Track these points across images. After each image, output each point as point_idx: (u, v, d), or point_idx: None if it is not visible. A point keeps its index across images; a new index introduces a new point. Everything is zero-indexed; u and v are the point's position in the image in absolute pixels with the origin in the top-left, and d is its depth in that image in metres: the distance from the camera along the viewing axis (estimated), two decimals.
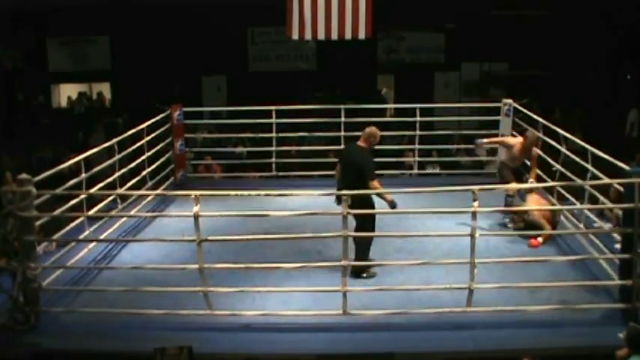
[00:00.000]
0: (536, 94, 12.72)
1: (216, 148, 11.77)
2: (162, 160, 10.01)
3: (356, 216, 6.54)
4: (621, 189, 6.21)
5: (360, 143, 6.97)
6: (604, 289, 6.33)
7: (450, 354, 5.60)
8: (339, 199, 6.65)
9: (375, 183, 6.67)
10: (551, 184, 8.01)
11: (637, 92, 15.70)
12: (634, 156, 10.96)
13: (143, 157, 9.23)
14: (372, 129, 6.99)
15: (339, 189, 6.79)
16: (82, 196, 7.19)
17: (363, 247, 6.74)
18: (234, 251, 6.98)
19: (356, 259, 6.59)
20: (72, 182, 7.29)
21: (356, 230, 6.63)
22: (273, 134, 10.52)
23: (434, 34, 17.17)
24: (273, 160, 10.61)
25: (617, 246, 6.74)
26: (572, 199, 8.04)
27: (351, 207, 6.04)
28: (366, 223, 6.70)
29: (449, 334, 5.81)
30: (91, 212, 7.52)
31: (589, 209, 7.57)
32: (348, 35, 9.28)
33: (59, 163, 7.21)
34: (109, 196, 8.16)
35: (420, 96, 12.35)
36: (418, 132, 10.39)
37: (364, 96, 15.19)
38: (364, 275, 6.74)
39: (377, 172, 9.70)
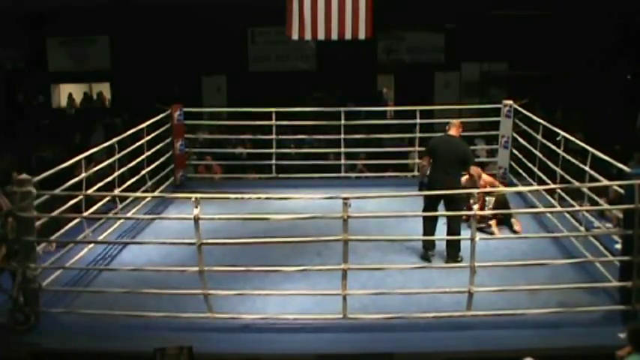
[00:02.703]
0: (537, 95, 12.70)
1: (216, 149, 11.77)
2: (162, 160, 10.02)
3: (453, 207, 7.01)
4: (621, 190, 6.21)
5: (454, 133, 7.47)
6: (604, 291, 6.33)
7: (450, 354, 5.60)
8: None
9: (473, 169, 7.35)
10: (551, 186, 8.01)
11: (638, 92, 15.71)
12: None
13: (142, 157, 9.23)
14: (458, 120, 7.68)
15: (433, 179, 7.21)
16: (81, 197, 7.20)
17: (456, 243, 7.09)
18: (235, 252, 6.98)
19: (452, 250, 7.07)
20: (71, 182, 7.30)
21: (451, 221, 7.13)
22: (273, 136, 10.52)
23: (434, 34, 17.15)
24: (273, 161, 10.62)
25: (618, 246, 6.76)
26: (571, 201, 8.06)
27: (447, 203, 6.99)
28: (456, 219, 7.13)
29: (448, 334, 5.82)
30: (91, 212, 7.54)
31: (589, 210, 7.57)
32: (348, 35, 9.27)
33: (59, 164, 7.20)
34: (109, 196, 8.16)
35: (420, 96, 12.36)
36: (418, 134, 10.39)
37: (364, 96, 15.24)
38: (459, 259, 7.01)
39: (377, 173, 9.83)
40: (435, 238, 7.27)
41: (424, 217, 7.25)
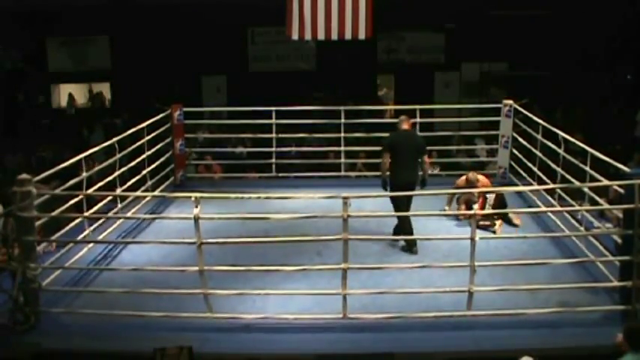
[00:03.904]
0: (537, 95, 12.70)
1: (217, 149, 11.78)
2: (162, 160, 10.02)
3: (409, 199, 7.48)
4: (621, 190, 6.21)
5: (408, 128, 7.88)
6: (604, 291, 6.34)
7: (450, 354, 5.60)
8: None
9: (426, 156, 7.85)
10: (551, 186, 8.01)
11: (638, 92, 15.70)
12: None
13: (143, 157, 9.24)
14: (405, 116, 8.06)
15: (398, 175, 7.50)
16: (82, 196, 7.20)
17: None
18: (235, 252, 6.99)
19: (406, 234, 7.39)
20: (72, 182, 7.30)
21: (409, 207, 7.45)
22: (273, 135, 10.53)
23: (434, 34, 17.13)
24: (273, 160, 10.62)
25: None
26: (571, 201, 8.07)
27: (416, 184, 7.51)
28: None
29: (449, 334, 5.83)
30: (91, 212, 7.54)
31: (589, 210, 7.57)
32: (348, 35, 9.27)
33: (59, 163, 7.21)
34: (109, 196, 8.16)
35: (420, 96, 12.35)
36: (418, 133, 10.37)
37: (365, 97, 15.21)
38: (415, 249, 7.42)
39: (376, 172, 9.75)
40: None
41: (402, 216, 7.35)
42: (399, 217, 7.43)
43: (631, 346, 4.74)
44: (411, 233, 7.38)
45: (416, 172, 7.68)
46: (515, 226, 8.21)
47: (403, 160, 7.57)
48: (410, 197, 7.48)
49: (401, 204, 7.42)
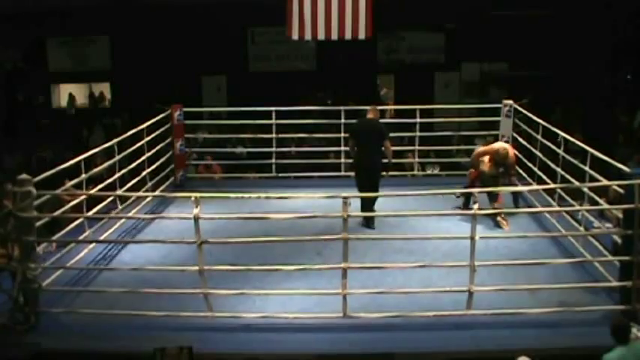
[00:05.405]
0: (536, 95, 12.70)
1: (217, 149, 11.78)
2: (162, 160, 10.02)
3: (374, 178, 8.20)
4: (621, 190, 6.21)
5: (372, 116, 8.58)
6: (604, 291, 6.34)
7: (450, 354, 5.61)
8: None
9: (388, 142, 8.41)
10: (551, 185, 8.01)
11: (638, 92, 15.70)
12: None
13: (143, 157, 9.24)
14: (373, 106, 8.83)
15: (360, 158, 8.31)
16: (82, 197, 7.21)
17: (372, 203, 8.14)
18: (235, 251, 6.99)
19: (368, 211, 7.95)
20: (72, 182, 7.30)
21: (370, 189, 7.97)
22: (273, 135, 10.53)
23: (434, 34, 17.14)
24: (273, 160, 10.62)
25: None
26: (571, 201, 8.07)
27: (376, 168, 8.23)
28: (378, 181, 8.27)
29: (449, 334, 5.83)
30: (91, 213, 7.55)
31: (589, 210, 7.57)
32: (348, 35, 9.28)
33: (59, 163, 7.21)
34: (109, 196, 8.17)
35: (420, 96, 12.35)
36: (418, 133, 10.40)
37: (365, 96, 15.21)
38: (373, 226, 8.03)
39: None
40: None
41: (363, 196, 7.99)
42: (361, 196, 7.96)
43: (617, 341, 4.86)
44: (371, 211, 8.00)
45: (378, 156, 8.34)
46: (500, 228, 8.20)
47: (364, 146, 8.31)
48: (371, 178, 8.19)
49: (362, 185, 8.19)
